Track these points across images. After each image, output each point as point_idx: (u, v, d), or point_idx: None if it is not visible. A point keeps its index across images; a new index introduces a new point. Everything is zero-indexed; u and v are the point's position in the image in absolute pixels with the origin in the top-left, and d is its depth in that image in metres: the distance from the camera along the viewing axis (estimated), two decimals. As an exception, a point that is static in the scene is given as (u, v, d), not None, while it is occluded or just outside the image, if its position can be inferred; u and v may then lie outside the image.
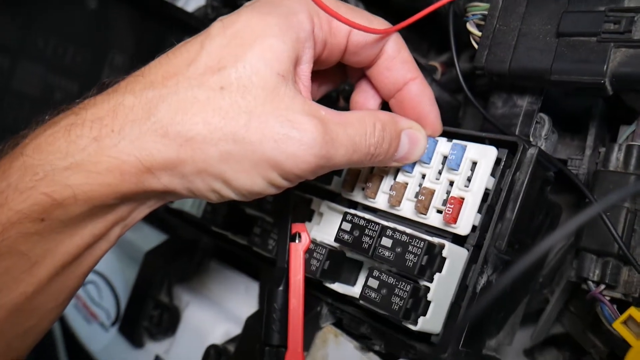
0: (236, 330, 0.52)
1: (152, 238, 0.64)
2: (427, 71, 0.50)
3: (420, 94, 0.39)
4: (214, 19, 0.63)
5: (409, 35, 0.68)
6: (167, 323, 0.56)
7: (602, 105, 0.42)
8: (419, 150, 0.39)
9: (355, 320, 0.44)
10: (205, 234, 0.56)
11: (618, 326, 0.34)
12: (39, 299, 0.33)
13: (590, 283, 0.38)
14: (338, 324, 0.47)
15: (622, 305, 0.38)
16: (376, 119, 0.36)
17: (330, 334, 0.46)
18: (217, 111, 0.31)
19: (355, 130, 0.34)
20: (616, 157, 0.39)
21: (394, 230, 0.37)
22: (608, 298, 0.38)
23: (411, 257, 0.36)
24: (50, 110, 0.34)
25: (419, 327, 0.36)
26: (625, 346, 0.35)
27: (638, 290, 0.37)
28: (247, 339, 0.48)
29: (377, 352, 0.43)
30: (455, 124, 0.56)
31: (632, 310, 0.34)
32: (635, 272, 0.37)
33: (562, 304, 0.48)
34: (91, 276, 0.63)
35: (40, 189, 0.30)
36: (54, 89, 0.59)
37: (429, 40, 0.70)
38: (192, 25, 0.64)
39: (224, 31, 0.33)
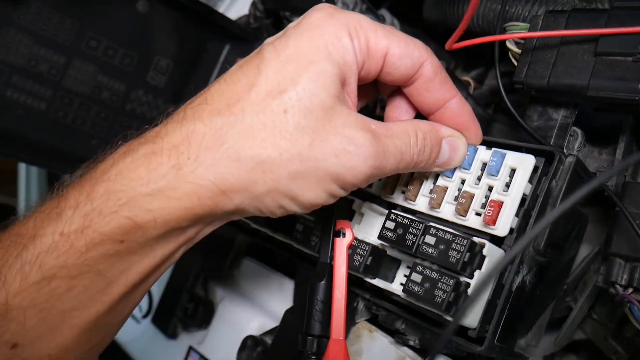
0: (271, 324, 0.55)
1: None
2: (462, 85, 0.53)
3: (459, 110, 0.41)
4: (256, 29, 0.67)
5: (440, 53, 0.71)
6: (201, 315, 0.58)
7: (631, 121, 0.45)
8: (460, 157, 0.41)
9: (391, 316, 0.46)
10: (242, 231, 0.58)
11: (650, 323, 0.37)
12: (108, 318, 0.35)
13: (618, 287, 0.41)
14: (372, 321, 0.49)
15: (647, 309, 0.40)
16: (418, 129, 0.38)
17: (364, 329, 0.49)
18: (283, 134, 0.33)
19: (401, 141, 0.37)
20: (645, 170, 0.42)
21: (437, 228, 0.40)
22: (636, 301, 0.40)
23: (454, 254, 0.38)
24: (120, 136, 0.37)
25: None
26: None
27: (664, 294, 0.39)
28: (285, 330, 0.50)
29: (411, 347, 0.46)
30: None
31: (663, 309, 0.36)
32: (662, 278, 0.40)
33: (586, 310, 0.51)
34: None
35: (122, 213, 0.33)
36: (102, 88, 0.62)
37: (456, 57, 0.73)
38: (235, 33, 0.67)
39: (278, 55, 0.35)
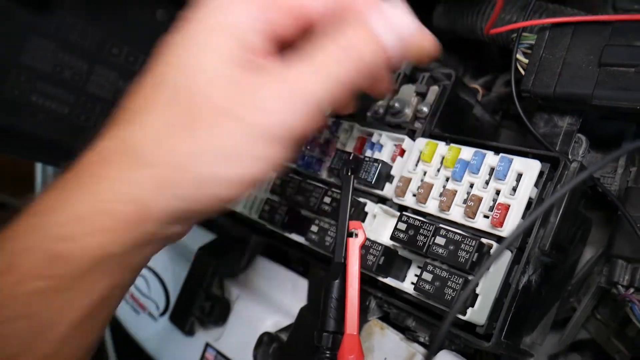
0: (286, 321, 0.57)
1: (200, 237, 0.68)
2: (471, 92, 0.55)
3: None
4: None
5: (449, 61, 0.73)
6: (218, 313, 0.60)
7: (634, 128, 0.47)
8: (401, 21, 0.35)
9: (402, 313, 0.48)
10: (257, 232, 0.61)
11: (649, 321, 0.38)
12: (62, 356, 0.33)
13: (620, 287, 0.43)
14: (384, 319, 0.51)
15: (648, 309, 0.42)
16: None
17: (376, 327, 0.51)
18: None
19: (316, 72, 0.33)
20: (646, 175, 0.44)
21: (447, 230, 0.42)
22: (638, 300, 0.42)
23: (463, 254, 0.40)
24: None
25: (467, 317, 0.40)
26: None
27: (664, 294, 0.41)
28: (301, 327, 0.52)
29: (421, 344, 0.48)
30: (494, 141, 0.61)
31: (661, 307, 0.38)
32: (662, 279, 0.42)
33: (590, 310, 0.52)
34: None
35: (45, 246, 0.31)
36: (123, 93, 0.65)
37: (464, 65, 0.75)
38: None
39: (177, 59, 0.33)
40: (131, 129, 0.32)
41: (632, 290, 0.42)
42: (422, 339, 0.47)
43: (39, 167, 1.19)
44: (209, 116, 0.31)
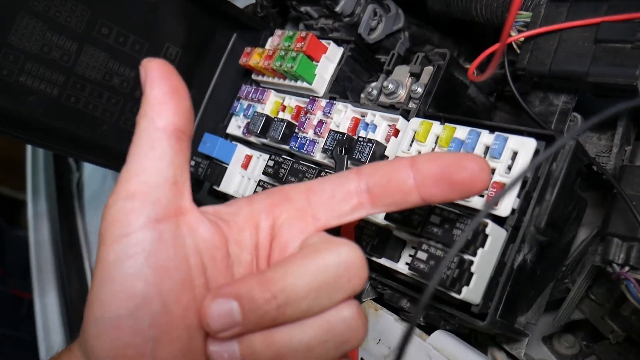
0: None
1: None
2: (466, 73, 0.54)
3: None
4: (262, 17, 0.68)
5: (445, 43, 0.72)
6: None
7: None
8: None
9: (396, 294, 0.48)
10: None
11: (645, 297, 0.38)
12: None
13: (615, 266, 0.43)
14: (378, 300, 0.51)
15: (643, 287, 0.42)
16: None
17: (370, 308, 0.50)
18: None
19: None
20: (642, 153, 0.44)
21: (442, 209, 0.41)
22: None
23: (458, 232, 0.40)
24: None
25: (462, 295, 0.40)
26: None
27: (660, 272, 0.41)
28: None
29: (416, 324, 0.47)
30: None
31: (657, 284, 0.38)
32: (657, 257, 0.42)
33: (584, 291, 0.52)
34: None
35: None
36: (113, 74, 0.64)
37: (460, 47, 0.75)
38: (242, 21, 0.68)
39: None
40: None
41: (627, 268, 0.42)
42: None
43: (29, 150, 1.17)
44: None
